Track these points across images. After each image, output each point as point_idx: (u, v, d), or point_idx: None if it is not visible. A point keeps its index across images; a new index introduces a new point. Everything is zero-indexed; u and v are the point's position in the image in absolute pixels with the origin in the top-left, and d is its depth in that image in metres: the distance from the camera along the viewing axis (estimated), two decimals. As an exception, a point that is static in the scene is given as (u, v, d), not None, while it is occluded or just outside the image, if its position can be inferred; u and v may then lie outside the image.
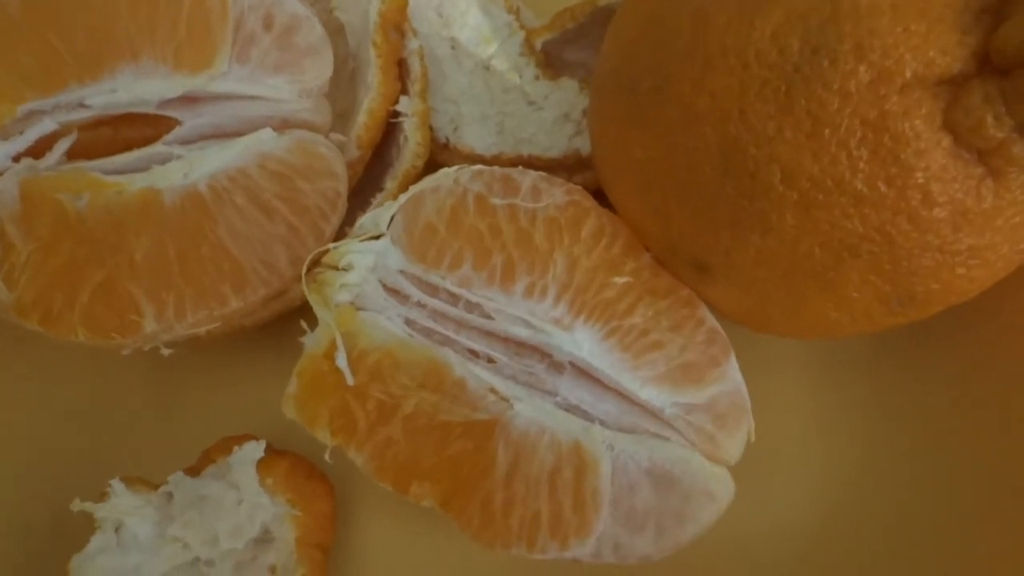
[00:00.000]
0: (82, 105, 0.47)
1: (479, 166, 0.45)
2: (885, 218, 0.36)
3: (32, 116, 0.46)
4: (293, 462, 0.47)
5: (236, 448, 0.45)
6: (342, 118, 0.54)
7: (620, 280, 0.44)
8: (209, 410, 0.51)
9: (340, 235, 0.50)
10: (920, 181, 0.35)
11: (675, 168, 0.41)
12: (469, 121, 0.55)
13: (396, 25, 0.53)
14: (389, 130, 0.54)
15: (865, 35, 0.35)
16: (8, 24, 0.44)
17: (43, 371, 0.52)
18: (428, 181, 0.44)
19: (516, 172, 0.45)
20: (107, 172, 0.47)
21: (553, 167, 0.54)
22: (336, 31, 0.54)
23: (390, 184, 0.51)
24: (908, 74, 0.34)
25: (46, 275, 0.43)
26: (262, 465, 0.45)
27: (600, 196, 0.51)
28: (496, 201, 0.44)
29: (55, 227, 0.44)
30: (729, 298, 0.44)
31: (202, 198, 0.47)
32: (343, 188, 0.49)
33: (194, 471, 0.47)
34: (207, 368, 0.52)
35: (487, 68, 0.57)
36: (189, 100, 0.48)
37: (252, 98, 0.49)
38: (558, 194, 0.45)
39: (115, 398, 0.52)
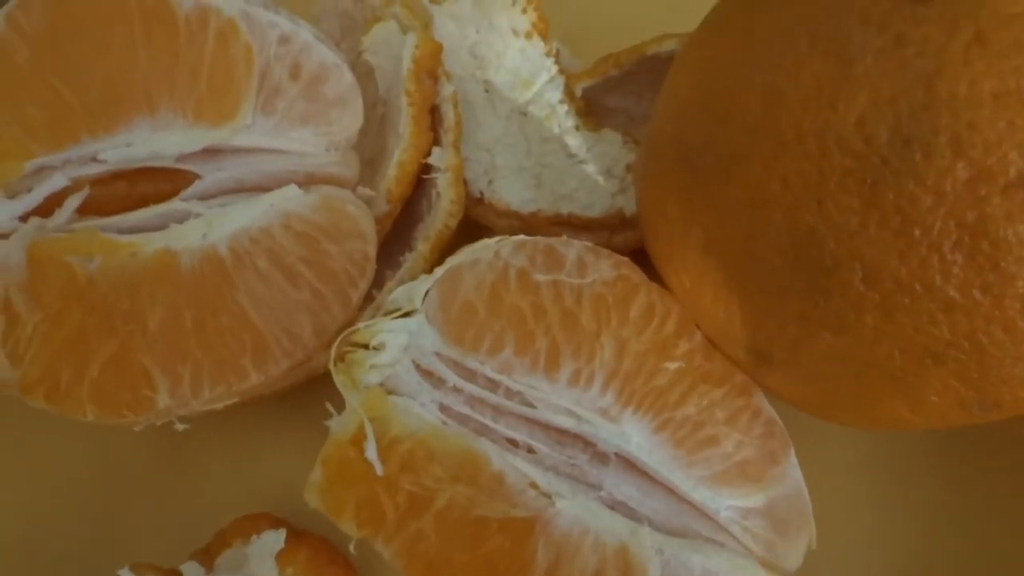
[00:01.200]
0: (95, 160, 0.43)
1: (521, 237, 0.42)
2: (977, 326, 0.33)
3: (41, 172, 0.43)
4: (314, 548, 0.44)
5: (254, 537, 0.42)
6: (370, 166, 0.51)
7: (672, 366, 0.41)
8: (224, 486, 0.48)
9: (367, 299, 0.47)
10: (1021, 291, 0.32)
11: (738, 252, 0.37)
12: (505, 173, 0.52)
13: (430, 71, 0.50)
14: (420, 181, 0.50)
15: (964, 128, 0.31)
16: (15, 74, 0.41)
17: (45, 444, 0.49)
18: (466, 253, 0.41)
19: (560, 243, 0.42)
20: (121, 230, 0.44)
21: (594, 226, 0.50)
22: (365, 74, 0.51)
23: (422, 246, 0.48)
24: (1012, 173, 0.31)
25: (53, 348, 0.40)
26: (282, 555, 0.42)
27: (643, 255, 0.48)
28: (540, 277, 0.41)
29: (64, 294, 0.41)
30: (789, 388, 0.41)
31: (222, 261, 0.43)
32: (372, 250, 0.46)
33: (209, 555, 0.44)
34: (222, 441, 0.49)
35: (523, 114, 0.54)
36: (210, 153, 0.45)
37: (276, 152, 0.46)
38: (605, 268, 0.42)
39: (124, 474, 0.49)
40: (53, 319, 0.41)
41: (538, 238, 0.42)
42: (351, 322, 0.46)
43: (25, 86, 0.41)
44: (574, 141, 0.52)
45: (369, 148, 0.51)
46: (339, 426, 0.40)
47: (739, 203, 0.36)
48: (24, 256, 0.41)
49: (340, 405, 0.41)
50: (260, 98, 0.45)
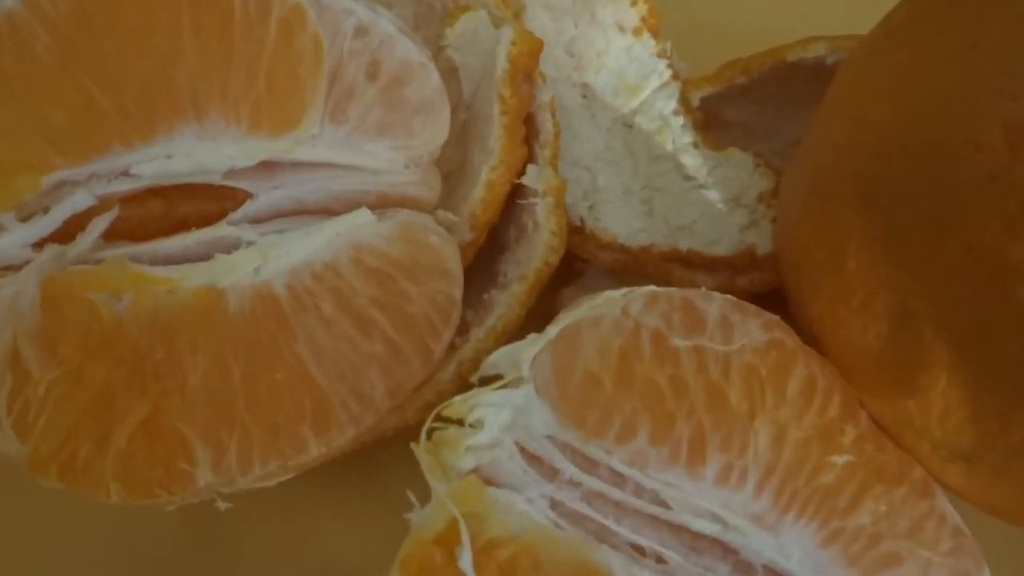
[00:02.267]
0: (127, 174, 0.35)
1: (651, 289, 0.34)
2: None
3: (61, 188, 0.35)
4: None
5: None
6: (447, 183, 0.43)
7: (840, 459, 0.33)
8: (272, 569, 0.40)
9: (448, 348, 0.39)
10: None
11: (951, 329, 0.29)
12: (609, 196, 0.43)
13: (527, 72, 0.41)
14: (508, 204, 0.42)
15: None
16: (35, 69, 0.33)
17: (61, 525, 0.41)
18: (586, 308, 0.33)
19: (699, 296, 0.34)
20: (156, 260, 0.36)
21: (717, 266, 0.42)
22: (447, 73, 0.42)
23: (517, 287, 0.40)
24: None
25: (72, 415, 0.32)
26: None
27: (766, 300, 0.40)
28: (678, 342, 0.33)
29: (86, 342, 0.33)
30: (985, 491, 0.33)
31: (278, 303, 0.35)
32: (458, 292, 0.38)
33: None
34: (271, 522, 0.41)
35: (629, 126, 0.45)
36: (265, 167, 0.37)
37: (345, 168, 0.38)
38: (754, 330, 0.34)
39: (151, 562, 0.41)
40: (72, 376, 0.33)
41: (672, 290, 0.34)
42: (431, 378, 0.38)
43: (46, 83, 0.33)
44: (692, 161, 0.44)
45: (446, 162, 0.43)
46: (423, 521, 0.32)
47: (962, 269, 0.28)
48: (38, 294, 0.33)
49: (421, 487, 0.33)
50: (329, 103, 0.36)
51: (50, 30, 0.33)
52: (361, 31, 0.37)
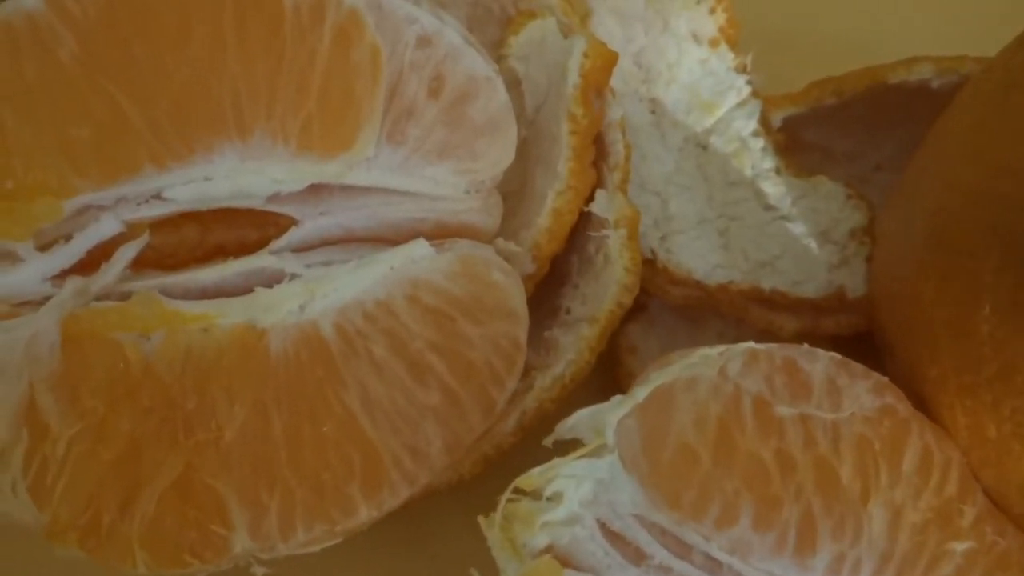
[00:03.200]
0: (159, 198, 0.31)
1: (750, 346, 0.30)
2: None
3: (85, 213, 0.31)
4: None
5: None
6: (504, 204, 0.38)
7: (960, 546, 0.29)
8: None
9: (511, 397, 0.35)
10: None
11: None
12: (682, 225, 0.39)
13: (599, 88, 0.37)
14: (573, 232, 0.38)
15: None
16: (58, 78, 0.29)
17: None
18: (680, 367, 0.29)
19: (803, 355, 0.30)
20: (189, 293, 0.32)
21: (802, 307, 0.38)
22: (509, 85, 0.38)
23: (587, 331, 0.36)
24: None
25: (95, 475, 0.29)
26: None
27: (850, 344, 0.36)
28: (783, 411, 0.29)
29: (111, 390, 0.29)
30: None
31: (326, 345, 0.32)
32: (523, 335, 0.34)
33: None
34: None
35: (703, 147, 0.41)
36: (311, 192, 0.33)
37: (400, 193, 0.34)
38: (864, 394, 0.30)
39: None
40: (95, 431, 0.29)
41: (773, 348, 0.30)
42: (491, 430, 0.34)
43: (70, 95, 0.29)
44: (774, 189, 0.40)
45: (505, 181, 0.39)
46: (489, 604, 0.28)
47: None
48: (58, 336, 0.29)
49: (478, 555, 0.30)
50: (387, 122, 0.32)
51: (76, 34, 0.29)
52: (424, 41, 0.33)
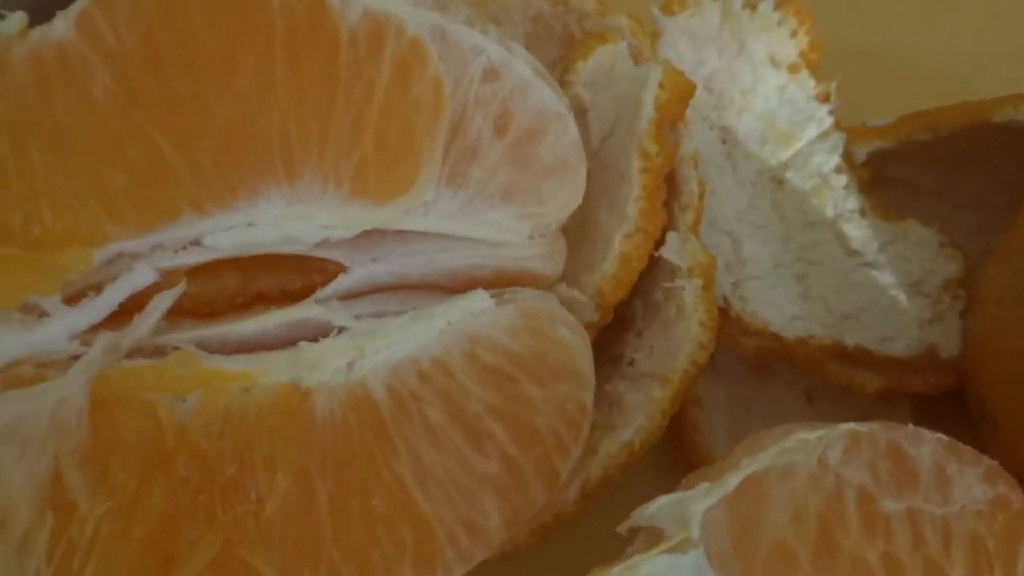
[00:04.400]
0: (197, 244, 0.28)
1: (850, 427, 0.27)
2: None
3: (117, 262, 0.28)
4: None
5: None
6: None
7: (1079, 661, 0.26)
8: None
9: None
10: None
11: None
12: (756, 271, 0.36)
13: (673, 121, 0.34)
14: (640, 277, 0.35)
15: None
16: (91, 116, 0.26)
17: None
18: (775, 453, 0.26)
19: (907, 438, 0.27)
20: (227, 347, 0.29)
21: (889, 366, 0.35)
22: (575, 114, 0.35)
23: (659, 392, 0.33)
24: None
25: (127, 559, 0.26)
26: None
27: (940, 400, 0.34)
28: (890, 506, 0.26)
29: (143, 460, 0.27)
30: None
31: (376, 408, 0.29)
32: (590, 397, 0.31)
33: None
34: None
35: (779, 183, 0.38)
36: (363, 236, 0.30)
37: (459, 239, 0.31)
38: (975, 484, 0.27)
39: None
40: (126, 508, 0.26)
41: (875, 430, 0.27)
42: (552, 502, 0.32)
43: (105, 135, 0.26)
44: (858, 232, 0.37)
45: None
46: None
47: None
48: (87, 402, 0.26)
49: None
50: (448, 163, 0.30)
51: (111, 66, 0.26)
52: (491, 74, 0.30)
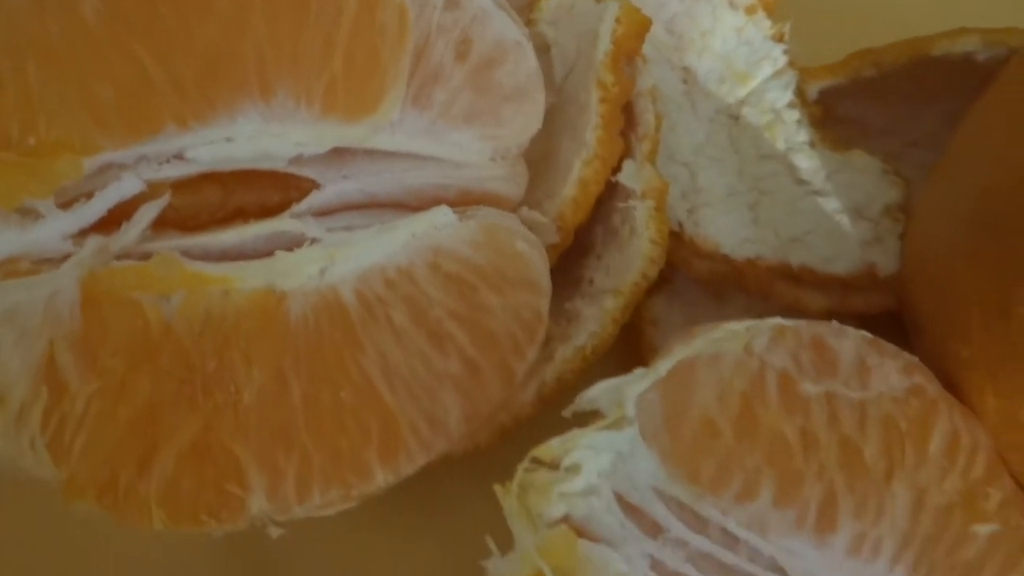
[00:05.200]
0: (180, 158, 0.31)
1: (778, 322, 0.29)
2: None
3: (106, 172, 0.30)
4: None
5: None
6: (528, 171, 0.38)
7: (984, 530, 0.28)
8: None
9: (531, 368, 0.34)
10: None
11: None
12: (711, 198, 0.39)
13: (630, 55, 0.37)
14: (598, 203, 0.37)
15: None
16: (83, 37, 0.29)
17: (90, 549, 0.37)
18: (703, 342, 0.29)
19: (831, 333, 0.30)
20: (210, 255, 0.32)
21: (831, 284, 0.37)
22: (538, 51, 0.37)
23: (610, 303, 0.35)
24: None
25: (114, 432, 0.29)
26: None
27: (883, 321, 0.36)
28: (809, 388, 0.28)
29: (130, 350, 0.29)
30: None
31: (345, 311, 0.31)
32: (546, 306, 0.33)
33: None
34: (322, 547, 0.37)
35: (735, 118, 0.40)
36: (334, 155, 0.33)
37: (424, 158, 0.33)
38: (892, 374, 0.29)
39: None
40: (114, 389, 0.29)
41: (801, 324, 0.30)
42: (509, 400, 0.34)
43: (94, 53, 0.29)
44: (807, 163, 0.39)
45: (530, 148, 0.38)
46: (503, 572, 0.28)
47: None
48: (78, 295, 0.29)
49: (491, 523, 0.29)
50: (413, 85, 0.32)
51: (102, -9, 0.29)
52: (452, 3, 0.32)
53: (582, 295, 0.37)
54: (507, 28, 0.33)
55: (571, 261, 0.39)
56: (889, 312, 0.38)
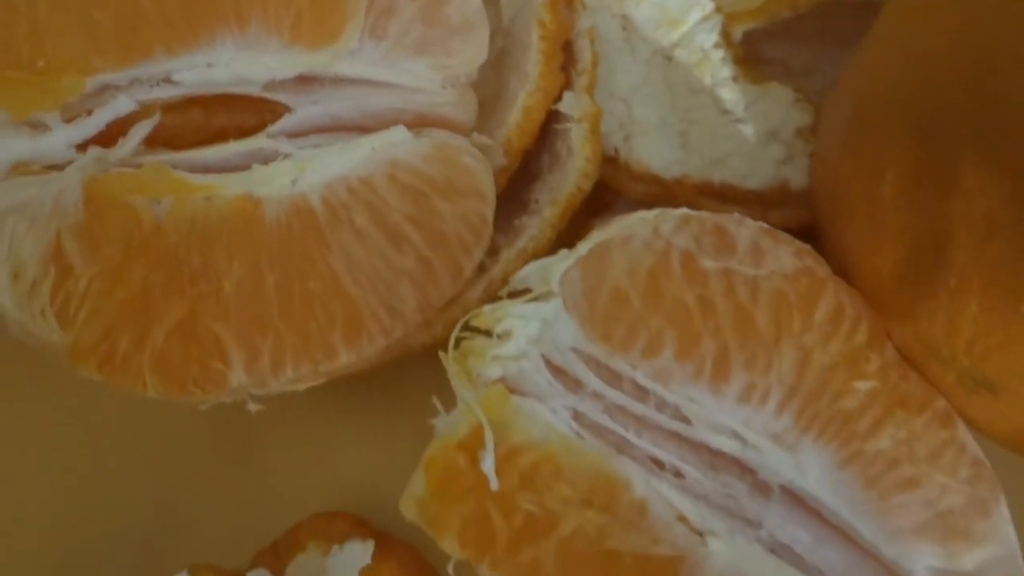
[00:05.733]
0: (168, 81, 0.36)
1: (684, 211, 0.34)
2: None
3: (104, 92, 0.35)
4: (401, 561, 0.37)
5: (336, 548, 0.35)
6: (482, 109, 0.43)
7: (864, 386, 0.33)
8: (297, 477, 0.41)
9: (478, 268, 0.39)
10: None
11: (985, 254, 0.29)
12: (644, 128, 0.43)
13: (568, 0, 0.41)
14: (543, 131, 0.42)
15: None
16: (82, -30, 0.33)
17: (90, 419, 0.42)
18: (618, 228, 0.33)
19: (731, 221, 0.34)
20: (195, 168, 0.37)
21: (749, 200, 0.42)
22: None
23: (548, 211, 0.40)
24: None
25: (112, 309, 0.33)
26: (366, 572, 0.35)
27: (803, 236, 0.40)
28: (708, 264, 0.33)
29: (126, 243, 0.34)
30: (1010, 423, 0.33)
31: (314, 214, 0.36)
32: (490, 212, 0.38)
33: (277, 557, 0.37)
34: (299, 426, 0.42)
35: (668, 59, 0.45)
36: (303, 82, 0.38)
37: (383, 85, 0.38)
38: (785, 257, 0.34)
39: (182, 459, 0.42)
40: (112, 273, 0.34)
41: (704, 214, 0.34)
42: (460, 296, 0.39)
43: (93, -17, 0.33)
44: (730, 95, 0.43)
45: (483, 88, 0.43)
46: (448, 427, 0.33)
47: (1001, 193, 0.28)
48: (81, 194, 0.34)
49: (446, 397, 0.34)
50: (369, 17, 0.37)
51: (95, -71, 0.34)
52: (403, -54, 0.37)
53: (528, 212, 0.42)
54: (454, -32, 0.38)
55: (521, 186, 0.43)
56: (805, 229, 0.43)
